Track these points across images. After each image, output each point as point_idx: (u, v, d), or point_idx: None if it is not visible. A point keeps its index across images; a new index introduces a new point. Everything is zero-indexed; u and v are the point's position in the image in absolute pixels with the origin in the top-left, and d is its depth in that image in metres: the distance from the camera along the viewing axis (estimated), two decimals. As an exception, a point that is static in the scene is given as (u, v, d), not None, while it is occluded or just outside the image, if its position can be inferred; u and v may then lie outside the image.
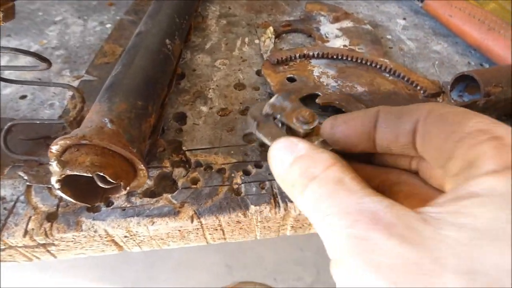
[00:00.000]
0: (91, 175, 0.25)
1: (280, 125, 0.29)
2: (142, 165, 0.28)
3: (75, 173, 0.25)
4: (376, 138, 0.22)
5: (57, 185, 0.26)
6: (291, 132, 0.30)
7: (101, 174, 0.26)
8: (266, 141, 0.30)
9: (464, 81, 0.38)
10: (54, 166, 0.25)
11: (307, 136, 0.28)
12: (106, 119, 0.28)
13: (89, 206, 0.30)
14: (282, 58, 0.43)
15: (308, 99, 0.40)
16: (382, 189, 0.24)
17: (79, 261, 1.36)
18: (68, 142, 0.26)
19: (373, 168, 0.25)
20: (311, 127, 0.27)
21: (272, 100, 0.31)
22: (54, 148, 0.26)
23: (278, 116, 0.30)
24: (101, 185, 0.28)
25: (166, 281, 1.36)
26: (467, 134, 0.18)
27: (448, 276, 0.14)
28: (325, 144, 0.26)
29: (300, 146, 0.21)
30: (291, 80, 0.42)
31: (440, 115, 0.19)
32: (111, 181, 0.26)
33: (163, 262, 1.40)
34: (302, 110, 0.29)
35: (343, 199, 0.18)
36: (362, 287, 0.16)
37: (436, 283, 0.15)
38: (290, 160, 0.21)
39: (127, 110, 0.30)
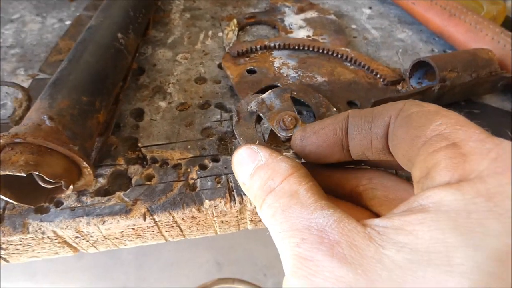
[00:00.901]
0: (24, 175, 0.24)
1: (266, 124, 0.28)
2: (85, 163, 0.27)
3: (8, 173, 0.24)
4: (349, 146, 0.21)
5: (-7, 187, 0.25)
6: (273, 134, 0.29)
7: (37, 173, 0.25)
8: (238, 140, 0.29)
9: (423, 67, 0.38)
10: (-14, 167, 0.24)
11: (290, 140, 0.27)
12: (45, 116, 0.27)
13: (33, 207, 0.29)
14: (242, 50, 0.42)
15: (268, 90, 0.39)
16: (356, 196, 0.23)
17: (68, 264, 1.34)
18: (1, 141, 0.25)
19: (344, 172, 0.25)
20: (289, 134, 0.27)
21: (263, 96, 0.31)
22: (-12, 148, 0.25)
23: (262, 116, 0.30)
24: (42, 184, 0.27)
25: (156, 281, 1.35)
26: (428, 139, 0.17)
27: None
28: (297, 156, 0.25)
29: (260, 154, 0.21)
30: (251, 72, 0.41)
31: (407, 116, 0.19)
32: (51, 180, 0.26)
33: (153, 262, 1.39)
34: (285, 114, 0.28)
35: (294, 214, 0.18)
36: None
37: None
38: (251, 170, 0.21)
39: (70, 106, 0.29)
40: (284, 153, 0.23)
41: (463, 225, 0.14)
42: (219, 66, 0.45)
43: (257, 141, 0.29)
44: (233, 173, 0.33)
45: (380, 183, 0.23)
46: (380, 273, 0.15)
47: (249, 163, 0.21)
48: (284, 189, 0.19)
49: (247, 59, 0.43)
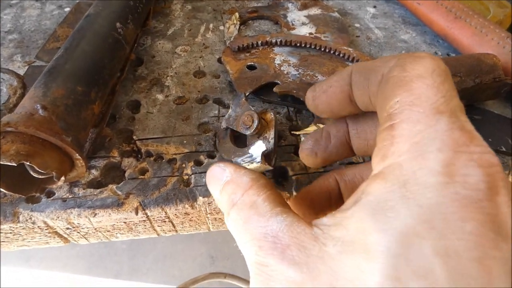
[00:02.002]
0: (15, 164, 0.24)
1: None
2: (77, 155, 0.27)
3: (-2, 162, 0.23)
4: (356, 99, 0.22)
5: (-17, 175, 0.25)
6: (244, 137, 0.31)
7: (28, 163, 0.24)
8: (224, 157, 0.32)
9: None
10: (-24, 155, 0.24)
11: (261, 135, 0.30)
12: (38, 105, 0.26)
13: (24, 196, 0.29)
14: (243, 45, 0.42)
15: (269, 88, 0.39)
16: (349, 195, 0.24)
17: (62, 251, 1.35)
18: (-8, 129, 0.24)
19: (336, 173, 0.26)
20: (252, 130, 0.29)
21: (228, 112, 0.32)
22: (-20, 136, 0.25)
23: (231, 127, 0.32)
24: (34, 175, 0.27)
25: (149, 271, 1.35)
26: (383, 117, 0.18)
27: None
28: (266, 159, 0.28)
29: (226, 172, 0.23)
30: (251, 68, 0.40)
31: (386, 81, 0.19)
32: (41, 171, 0.25)
33: (146, 253, 1.40)
34: (243, 115, 0.30)
35: (253, 224, 0.19)
36: None
37: None
38: (220, 187, 0.23)
39: (64, 96, 0.28)
40: (251, 148, 0.29)
41: (379, 212, 0.15)
42: (219, 60, 0.44)
43: (232, 150, 0.32)
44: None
45: (363, 179, 0.24)
46: (320, 268, 0.16)
47: (219, 180, 0.23)
48: (245, 201, 0.21)
49: (247, 54, 0.42)
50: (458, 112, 0.17)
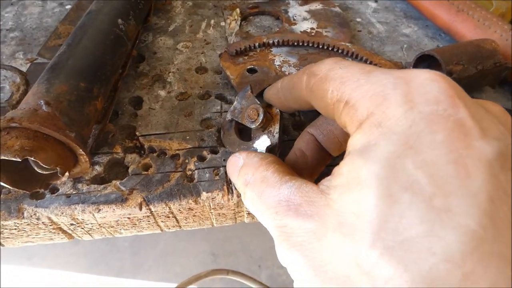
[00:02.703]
0: (20, 160, 0.24)
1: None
2: (81, 150, 0.27)
3: (3, 157, 0.24)
4: (289, 105, 0.27)
5: (-12, 171, 0.25)
6: (249, 130, 0.32)
7: (33, 159, 0.24)
8: (229, 149, 0.33)
9: (426, 61, 0.37)
10: (-19, 151, 0.24)
11: (266, 129, 0.30)
12: (41, 101, 0.26)
13: (28, 192, 0.29)
14: (241, 48, 0.41)
15: None
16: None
17: (65, 249, 1.35)
18: (-4, 125, 0.24)
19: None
20: (257, 124, 0.29)
21: (234, 104, 0.32)
22: (-16, 132, 0.25)
23: (236, 119, 0.32)
24: (38, 170, 0.27)
25: (151, 268, 1.36)
26: (332, 108, 0.21)
27: (328, 236, 0.17)
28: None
29: (241, 159, 0.25)
30: (252, 71, 0.40)
31: (310, 90, 0.23)
32: (46, 166, 0.25)
33: (148, 250, 1.40)
34: (248, 109, 0.30)
35: (266, 195, 0.21)
36: (290, 267, 0.19)
37: (322, 247, 0.18)
38: (236, 173, 0.25)
39: (68, 92, 0.28)
40: (255, 142, 0.30)
41: (365, 152, 0.17)
42: (221, 56, 0.44)
43: (237, 142, 0.32)
44: (231, 165, 0.33)
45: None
46: (328, 213, 0.18)
47: (235, 167, 0.25)
48: (256, 178, 0.23)
49: (246, 57, 0.41)
50: (380, 68, 0.20)
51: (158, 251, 1.39)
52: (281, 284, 1.34)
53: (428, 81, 0.17)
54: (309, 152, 0.27)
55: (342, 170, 0.18)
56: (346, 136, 0.25)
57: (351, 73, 0.20)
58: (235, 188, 0.31)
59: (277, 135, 0.29)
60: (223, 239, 1.44)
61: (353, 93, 0.19)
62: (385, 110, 0.17)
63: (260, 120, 0.29)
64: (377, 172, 0.16)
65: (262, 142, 0.29)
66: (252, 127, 0.30)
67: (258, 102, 0.30)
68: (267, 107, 0.31)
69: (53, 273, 1.31)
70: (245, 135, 0.33)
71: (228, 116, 0.33)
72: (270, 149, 0.28)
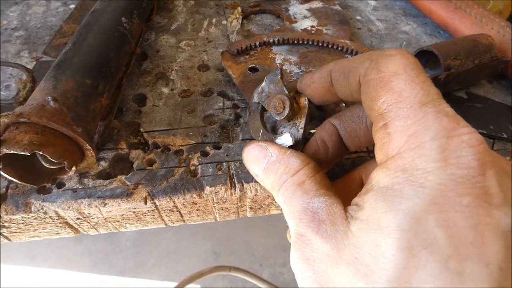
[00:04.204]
0: (28, 154, 0.24)
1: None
2: (88, 145, 0.27)
3: (12, 151, 0.24)
4: (338, 94, 0.25)
5: (-2, 165, 0.26)
6: (264, 120, 0.31)
7: (41, 153, 0.25)
8: (252, 134, 0.31)
9: (424, 56, 0.38)
10: (-10, 145, 0.24)
11: (291, 119, 0.28)
12: (49, 97, 0.27)
13: (36, 186, 0.29)
14: (242, 47, 0.42)
15: None
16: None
17: (67, 248, 1.36)
18: (6, 120, 0.25)
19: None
20: (283, 117, 0.28)
21: (262, 84, 0.31)
22: (-7, 127, 0.26)
23: (262, 104, 0.31)
24: (45, 165, 0.27)
25: (154, 267, 1.37)
26: (375, 117, 0.20)
27: (341, 266, 0.18)
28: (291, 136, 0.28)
29: (269, 151, 0.25)
30: (253, 70, 0.40)
31: (366, 83, 0.21)
32: (54, 161, 0.26)
33: (151, 250, 1.41)
34: (275, 98, 0.29)
35: (297, 199, 0.22)
36: (299, 275, 0.21)
37: (334, 273, 0.19)
38: (263, 166, 0.25)
39: (74, 88, 0.29)
40: (278, 138, 0.28)
41: (389, 195, 0.18)
42: (223, 54, 0.45)
43: (261, 131, 0.30)
44: (234, 160, 0.33)
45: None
46: (344, 242, 0.19)
47: (261, 159, 0.25)
48: (294, 180, 0.23)
49: (247, 56, 0.42)
50: (438, 100, 0.19)
51: (160, 250, 1.39)
52: (283, 282, 1.34)
53: (466, 146, 0.17)
54: (331, 144, 0.27)
55: (365, 205, 0.19)
56: (368, 138, 0.26)
57: (410, 95, 0.19)
58: (238, 183, 0.32)
59: (301, 130, 0.27)
60: (225, 238, 1.44)
61: (396, 120, 0.19)
62: (416, 158, 0.18)
63: (286, 114, 0.27)
64: (400, 223, 0.17)
65: (285, 140, 0.28)
66: (277, 118, 0.29)
67: (287, 92, 0.28)
68: (296, 95, 0.29)
69: (56, 273, 1.32)
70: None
71: (255, 98, 0.32)
72: (293, 145, 0.27)
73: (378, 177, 0.19)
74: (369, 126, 0.25)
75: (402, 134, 0.18)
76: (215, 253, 1.42)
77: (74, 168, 0.27)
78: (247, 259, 1.41)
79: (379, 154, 0.20)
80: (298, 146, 0.28)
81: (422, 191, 0.17)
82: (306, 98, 0.28)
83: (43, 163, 0.27)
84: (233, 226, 1.47)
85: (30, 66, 0.41)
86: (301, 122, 0.28)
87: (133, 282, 1.32)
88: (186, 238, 1.44)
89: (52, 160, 0.26)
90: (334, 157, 0.28)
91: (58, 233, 0.34)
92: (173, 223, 0.35)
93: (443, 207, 0.16)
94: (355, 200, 0.20)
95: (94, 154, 0.28)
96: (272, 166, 0.25)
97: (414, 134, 0.18)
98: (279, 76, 0.30)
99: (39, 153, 0.25)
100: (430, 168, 0.17)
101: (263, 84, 0.31)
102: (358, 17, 0.51)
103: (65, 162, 0.26)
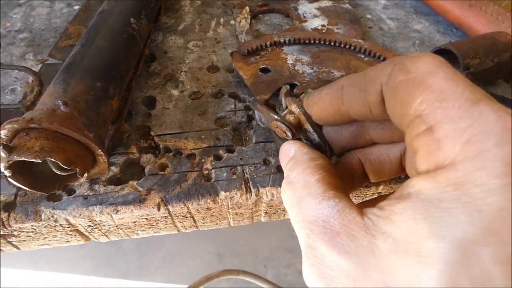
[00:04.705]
0: (40, 161, 0.23)
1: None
2: (100, 151, 0.27)
3: (23, 159, 0.23)
4: (350, 113, 0.22)
5: (7, 172, 0.25)
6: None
7: (53, 159, 0.24)
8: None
9: (439, 55, 0.37)
10: (0, 152, 0.23)
11: (301, 127, 0.27)
12: (59, 101, 0.26)
13: (46, 194, 0.28)
14: (252, 48, 0.41)
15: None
16: (376, 174, 0.25)
17: (71, 252, 1.35)
18: (15, 126, 0.24)
19: (359, 153, 0.26)
20: (290, 138, 0.27)
21: (256, 114, 0.30)
22: (2, 132, 0.25)
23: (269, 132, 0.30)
24: (56, 171, 0.26)
25: (157, 270, 1.36)
26: (411, 121, 0.17)
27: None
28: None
29: (293, 148, 0.24)
30: (265, 71, 0.39)
31: (394, 87, 0.18)
32: (65, 167, 0.25)
33: (154, 252, 1.40)
34: (272, 125, 0.28)
35: (306, 205, 0.20)
36: None
37: None
38: (285, 163, 0.24)
39: (84, 91, 0.28)
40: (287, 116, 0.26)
41: (433, 215, 0.14)
42: (232, 54, 0.44)
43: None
44: (248, 164, 0.32)
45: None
46: (370, 262, 0.16)
47: (287, 156, 0.24)
48: (299, 180, 0.21)
49: (257, 57, 0.41)
50: (489, 98, 0.16)
51: (164, 253, 1.38)
52: (287, 283, 1.33)
53: None
54: (355, 172, 0.25)
55: (398, 220, 0.15)
56: (395, 172, 0.24)
57: (455, 92, 0.16)
58: (254, 187, 0.31)
59: (315, 134, 0.26)
60: (229, 239, 1.43)
61: (445, 124, 0.15)
62: (475, 171, 0.14)
63: (291, 136, 0.26)
64: (446, 253, 0.14)
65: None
66: (288, 139, 0.27)
67: (277, 117, 0.27)
68: (288, 103, 0.28)
69: (59, 276, 1.31)
70: None
71: (261, 124, 0.31)
72: (316, 147, 0.26)
73: (421, 186, 0.16)
74: (395, 161, 0.23)
75: (455, 139, 0.15)
76: (219, 255, 1.41)
77: (86, 174, 0.26)
78: (251, 260, 1.40)
79: (423, 164, 0.16)
80: (322, 146, 0.26)
81: (479, 217, 0.13)
82: (295, 104, 0.26)
83: (54, 169, 0.26)
84: (237, 228, 1.46)
85: (35, 69, 0.40)
86: (309, 127, 0.26)
87: (137, 285, 1.31)
88: (189, 240, 1.43)
89: (63, 166, 0.25)
90: (355, 186, 0.26)
91: (68, 241, 0.33)
92: (186, 229, 0.35)
93: (504, 239, 0.13)
94: (381, 204, 0.17)
95: (106, 159, 0.27)
96: (289, 162, 0.23)
97: (471, 140, 0.14)
98: (258, 105, 0.29)
99: (50, 160, 0.24)
100: (492, 186, 0.14)
101: (256, 114, 0.30)
102: (369, 16, 0.50)
103: (77, 168, 0.25)
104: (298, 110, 0.26)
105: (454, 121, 0.15)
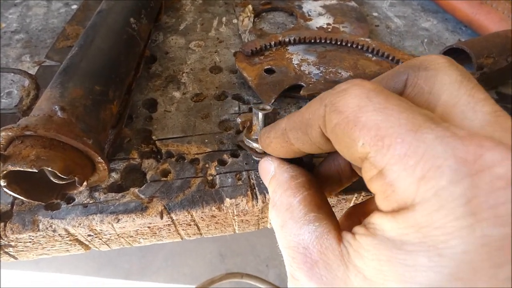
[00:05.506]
0: (36, 170, 0.22)
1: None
2: (100, 158, 0.25)
3: (18, 168, 0.22)
4: (302, 150, 0.21)
5: (2, 182, 0.24)
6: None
7: (50, 168, 0.23)
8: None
9: (452, 55, 0.36)
10: (-6, 162, 0.22)
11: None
12: (56, 106, 0.25)
13: (44, 203, 0.27)
14: (256, 48, 0.39)
15: (293, 90, 0.37)
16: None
17: (72, 254, 1.34)
18: (10, 133, 0.23)
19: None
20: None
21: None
22: (-4, 140, 0.23)
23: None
24: (54, 180, 0.25)
25: (159, 270, 1.35)
26: (361, 163, 0.16)
27: None
28: None
29: (272, 166, 0.23)
30: (270, 71, 0.38)
31: (332, 132, 0.17)
32: (63, 176, 0.24)
33: (156, 253, 1.39)
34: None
35: (288, 230, 0.19)
36: None
37: None
38: (268, 181, 0.23)
39: (83, 96, 0.27)
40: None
41: (396, 258, 0.14)
42: (235, 54, 0.42)
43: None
44: (254, 169, 0.31)
45: None
46: None
47: (267, 174, 0.24)
48: (282, 202, 0.21)
49: (262, 57, 0.40)
50: (431, 119, 0.14)
51: (165, 253, 1.38)
52: (289, 283, 1.33)
53: (503, 185, 0.12)
54: (343, 169, 0.25)
55: (366, 256, 0.15)
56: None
57: (391, 125, 0.15)
58: (260, 194, 0.30)
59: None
60: (231, 239, 1.42)
61: (392, 165, 0.14)
62: (433, 212, 0.13)
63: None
64: None
65: None
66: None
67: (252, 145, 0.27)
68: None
69: (61, 277, 1.30)
70: None
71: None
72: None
73: (383, 225, 0.15)
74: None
75: (408, 180, 0.14)
76: (220, 255, 1.40)
77: (85, 183, 0.25)
78: (253, 260, 1.39)
79: (384, 206, 0.15)
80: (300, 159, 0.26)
81: (441, 262, 0.13)
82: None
83: (52, 178, 0.25)
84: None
85: (32, 71, 0.38)
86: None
87: (139, 285, 1.31)
88: (191, 240, 1.42)
89: (61, 175, 0.24)
90: (345, 181, 0.25)
91: (67, 251, 0.32)
92: (190, 236, 0.33)
93: (469, 284, 0.12)
94: (355, 229, 0.17)
95: (106, 167, 0.26)
96: (271, 181, 0.23)
97: (424, 177, 0.13)
98: (240, 143, 0.30)
99: (47, 169, 0.23)
100: (451, 228, 0.13)
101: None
102: (375, 14, 0.49)
103: (76, 177, 0.24)
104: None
105: (401, 160, 0.14)
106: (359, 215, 0.23)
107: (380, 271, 0.14)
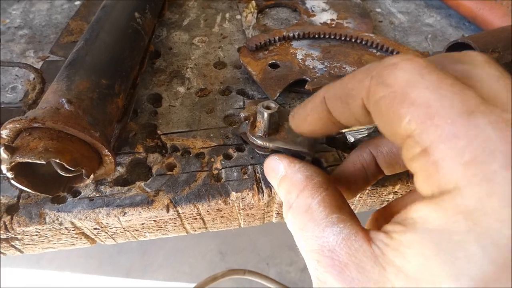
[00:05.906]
0: (44, 162, 0.22)
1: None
2: (107, 151, 0.25)
3: (26, 160, 0.22)
4: (341, 123, 0.20)
5: (10, 174, 0.24)
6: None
7: (57, 160, 0.23)
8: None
9: (456, 50, 0.36)
10: (2, 153, 0.22)
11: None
12: (63, 99, 0.25)
13: (50, 196, 0.27)
14: (260, 43, 0.39)
15: (297, 85, 0.37)
16: (389, 167, 0.24)
17: (73, 250, 1.34)
18: (18, 125, 0.23)
19: (370, 146, 0.25)
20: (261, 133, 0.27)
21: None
22: (4, 132, 0.23)
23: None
24: (61, 173, 0.25)
25: (159, 268, 1.35)
26: (404, 142, 0.16)
27: None
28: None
29: (281, 165, 0.23)
30: (274, 66, 0.38)
31: (376, 104, 0.17)
32: (71, 168, 0.24)
33: (157, 250, 1.39)
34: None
35: (309, 233, 0.19)
36: None
37: None
38: (277, 181, 0.23)
39: (89, 89, 0.27)
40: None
41: (445, 250, 0.13)
42: (239, 50, 0.42)
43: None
44: (260, 163, 0.31)
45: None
46: None
47: (275, 173, 0.23)
48: (299, 204, 0.20)
49: (266, 52, 0.40)
50: (485, 105, 0.14)
51: (166, 251, 1.38)
52: (290, 281, 1.33)
53: None
54: (368, 167, 0.24)
55: (408, 254, 0.14)
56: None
57: (444, 105, 0.14)
58: (266, 187, 0.30)
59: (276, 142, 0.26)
60: (231, 237, 1.43)
61: (440, 143, 0.14)
62: (484, 197, 0.12)
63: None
64: None
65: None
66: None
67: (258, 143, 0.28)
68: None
69: (62, 275, 1.30)
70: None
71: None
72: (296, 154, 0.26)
73: (426, 213, 0.14)
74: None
75: (454, 161, 0.13)
76: (221, 253, 1.40)
77: (92, 176, 0.25)
78: (253, 258, 1.39)
79: (423, 188, 0.15)
80: (305, 150, 0.25)
81: (496, 252, 0.12)
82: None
83: (59, 171, 0.25)
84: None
85: (37, 66, 0.38)
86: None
87: (140, 283, 1.31)
88: (191, 238, 1.42)
89: (68, 168, 0.24)
90: (369, 181, 0.25)
91: (73, 244, 0.32)
92: (195, 230, 0.33)
93: None
94: (387, 228, 0.16)
95: (113, 160, 0.26)
96: (282, 182, 0.22)
97: (474, 161, 0.13)
98: (244, 136, 0.30)
99: (55, 161, 0.23)
100: (505, 215, 0.12)
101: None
102: (378, 10, 0.49)
103: (83, 170, 0.24)
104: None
105: (450, 140, 0.13)
106: (387, 216, 0.22)
107: (427, 267, 0.13)
